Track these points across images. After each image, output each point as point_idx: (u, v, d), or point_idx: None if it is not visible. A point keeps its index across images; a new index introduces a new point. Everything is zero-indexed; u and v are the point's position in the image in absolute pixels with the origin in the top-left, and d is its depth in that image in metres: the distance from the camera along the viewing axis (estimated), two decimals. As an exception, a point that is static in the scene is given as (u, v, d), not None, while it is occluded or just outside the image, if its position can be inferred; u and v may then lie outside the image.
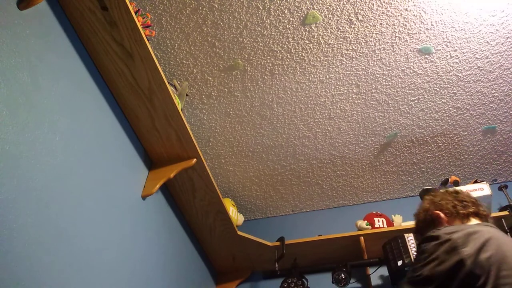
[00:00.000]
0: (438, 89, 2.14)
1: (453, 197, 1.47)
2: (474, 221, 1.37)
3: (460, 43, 1.98)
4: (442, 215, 1.43)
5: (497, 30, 1.93)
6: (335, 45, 1.99)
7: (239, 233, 2.28)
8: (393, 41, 1.97)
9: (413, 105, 2.20)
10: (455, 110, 2.22)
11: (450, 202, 1.45)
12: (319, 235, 2.30)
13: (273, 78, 2.11)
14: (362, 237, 2.17)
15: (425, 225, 1.48)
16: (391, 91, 2.15)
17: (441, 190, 1.57)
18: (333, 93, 2.16)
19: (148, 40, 1.57)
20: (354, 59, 2.04)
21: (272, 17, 1.90)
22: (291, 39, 1.97)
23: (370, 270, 2.13)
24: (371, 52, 2.01)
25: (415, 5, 1.86)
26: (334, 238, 2.21)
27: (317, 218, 2.66)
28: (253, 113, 2.24)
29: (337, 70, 2.07)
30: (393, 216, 2.34)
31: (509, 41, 1.97)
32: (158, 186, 1.82)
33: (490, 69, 2.06)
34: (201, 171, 1.96)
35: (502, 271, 1.08)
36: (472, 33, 1.94)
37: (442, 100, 2.18)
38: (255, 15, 1.89)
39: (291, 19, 1.91)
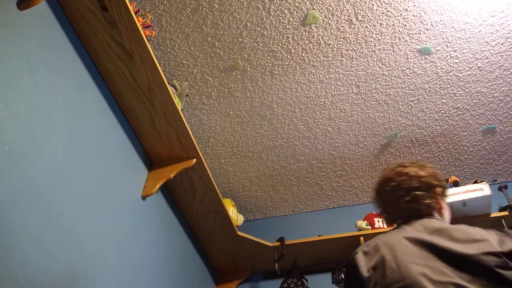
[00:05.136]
0: (438, 90, 2.14)
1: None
2: (401, 226, 1.36)
3: (460, 44, 1.98)
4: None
5: (497, 30, 1.93)
6: (335, 46, 1.99)
7: (239, 233, 2.28)
8: (393, 42, 1.98)
9: (413, 105, 2.20)
10: (455, 111, 2.22)
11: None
12: (319, 236, 2.30)
13: (273, 78, 2.11)
14: (362, 238, 2.16)
15: None
16: (391, 91, 2.15)
17: (377, 185, 1.50)
18: (333, 93, 2.16)
19: (148, 41, 1.57)
20: (354, 60, 2.04)
21: (272, 18, 1.90)
22: (291, 40, 1.97)
23: (370, 271, 2.13)
24: (371, 53, 2.01)
25: (415, 5, 1.86)
26: (334, 239, 2.21)
27: (317, 219, 2.66)
28: (253, 113, 2.24)
29: (337, 70, 2.08)
30: (393, 216, 2.33)
31: (509, 42, 1.97)
32: (158, 186, 1.82)
33: (490, 69, 2.06)
34: (201, 171, 1.96)
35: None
36: (472, 34, 1.94)
37: (442, 100, 2.18)
38: (255, 15, 1.90)
39: (291, 19, 1.91)
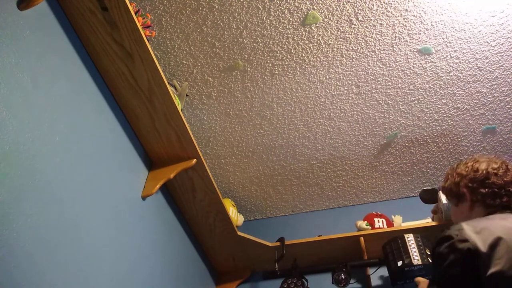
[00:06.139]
0: (438, 90, 2.14)
1: (489, 181, 1.42)
2: (498, 214, 1.33)
3: (460, 44, 1.98)
4: (468, 197, 1.45)
5: (497, 30, 1.93)
6: (335, 46, 2.00)
7: (239, 233, 2.28)
8: (393, 42, 1.98)
9: (413, 105, 2.20)
10: (455, 111, 2.22)
11: (484, 187, 1.42)
12: (319, 236, 2.29)
13: (273, 78, 2.11)
14: (362, 238, 2.16)
15: (450, 194, 1.55)
16: (391, 91, 2.15)
17: (482, 162, 1.48)
18: (333, 93, 2.16)
19: (148, 41, 1.57)
20: (354, 60, 2.04)
21: (272, 18, 1.90)
22: (291, 40, 1.97)
23: (370, 271, 2.13)
24: (371, 53, 2.01)
25: (415, 5, 1.86)
26: (334, 239, 2.21)
27: (317, 219, 2.66)
28: (253, 114, 2.24)
29: (337, 70, 2.08)
30: (393, 216, 2.33)
31: (509, 42, 1.97)
32: (158, 186, 1.82)
33: (490, 69, 2.06)
34: (201, 171, 1.96)
35: None
36: (472, 34, 1.94)
37: (442, 100, 2.18)
38: (255, 15, 1.90)
39: (291, 19, 1.91)
